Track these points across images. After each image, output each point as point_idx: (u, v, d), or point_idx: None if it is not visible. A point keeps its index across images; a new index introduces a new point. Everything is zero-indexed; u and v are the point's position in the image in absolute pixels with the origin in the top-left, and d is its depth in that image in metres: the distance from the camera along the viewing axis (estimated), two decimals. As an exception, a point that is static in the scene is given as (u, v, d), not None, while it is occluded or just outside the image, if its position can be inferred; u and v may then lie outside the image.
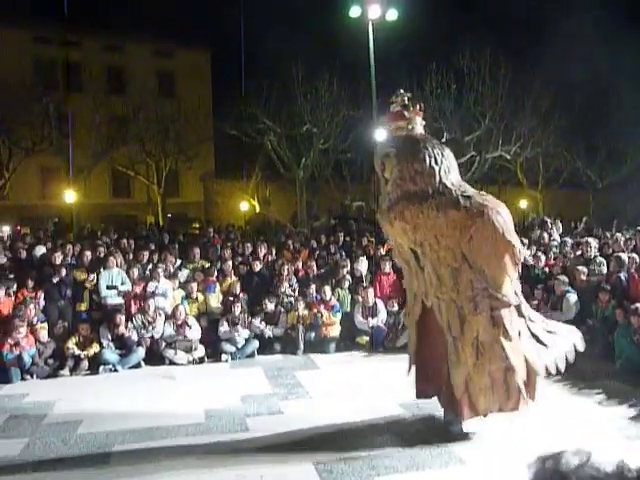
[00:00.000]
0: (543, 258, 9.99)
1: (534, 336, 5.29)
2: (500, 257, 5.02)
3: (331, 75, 22.75)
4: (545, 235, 11.96)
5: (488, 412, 5.23)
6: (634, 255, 9.05)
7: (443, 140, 22.71)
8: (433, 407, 6.15)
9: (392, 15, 17.38)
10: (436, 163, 5.16)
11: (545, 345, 5.29)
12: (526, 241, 11.43)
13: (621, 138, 23.69)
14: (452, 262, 5.05)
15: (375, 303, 9.45)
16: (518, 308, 5.21)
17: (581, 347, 5.56)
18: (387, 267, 10.12)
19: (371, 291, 9.51)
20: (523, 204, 28.23)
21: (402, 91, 5.55)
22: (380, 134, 18.74)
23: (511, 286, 5.16)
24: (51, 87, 22.19)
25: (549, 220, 13.63)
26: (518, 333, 5.12)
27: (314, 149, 23.45)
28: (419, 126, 5.51)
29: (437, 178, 5.12)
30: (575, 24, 20.31)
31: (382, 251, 11.23)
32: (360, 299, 9.57)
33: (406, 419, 5.88)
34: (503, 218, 5.04)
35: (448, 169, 5.20)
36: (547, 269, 9.78)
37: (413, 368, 5.65)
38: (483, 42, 21.79)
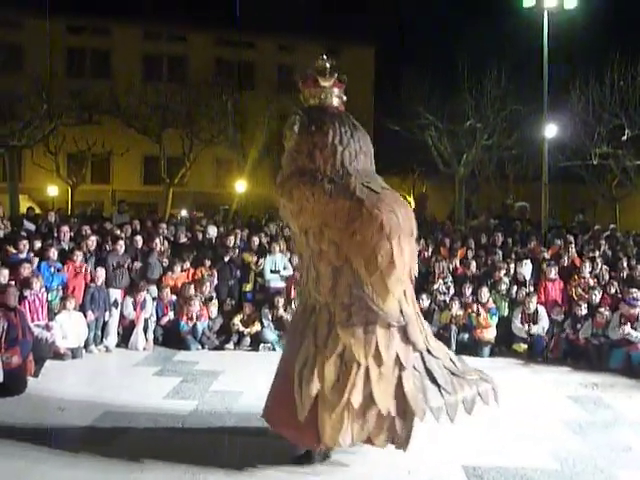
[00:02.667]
0: None
1: (428, 372, 4.41)
2: (381, 264, 4.24)
3: (499, 68, 21.75)
4: None
5: (336, 444, 4.36)
6: None
7: (624, 138, 20.60)
8: (598, 427, 5.68)
9: (571, 3, 16.15)
10: (340, 143, 4.49)
11: (439, 386, 4.38)
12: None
13: None
14: (334, 259, 4.36)
15: (537, 310, 8.89)
16: (404, 332, 4.37)
17: (490, 400, 4.60)
18: (553, 273, 9.47)
19: (534, 297, 8.97)
20: None
21: (325, 56, 4.79)
22: (550, 130, 17.57)
23: (396, 303, 4.35)
24: (229, 85, 24.08)
25: None
26: (397, 361, 4.31)
27: (476, 145, 22.62)
28: (335, 99, 4.79)
29: (338, 159, 4.47)
30: None
31: (547, 255, 10.54)
32: (521, 305, 9.07)
33: (567, 437, 5.47)
34: (397, 219, 4.27)
35: (355, 153, 4.53)
36: None
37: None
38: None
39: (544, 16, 16.21)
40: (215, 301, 9.28)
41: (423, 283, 9.81)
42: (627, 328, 7.93)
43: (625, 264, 9.82)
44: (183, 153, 24.12)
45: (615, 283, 9.06)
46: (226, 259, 9.81)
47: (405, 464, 4.69)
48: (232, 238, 10.27)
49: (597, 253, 10.42)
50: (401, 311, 4.40)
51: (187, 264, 9.62)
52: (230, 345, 8.82)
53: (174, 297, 9.11)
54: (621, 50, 20.20)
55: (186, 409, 5.96)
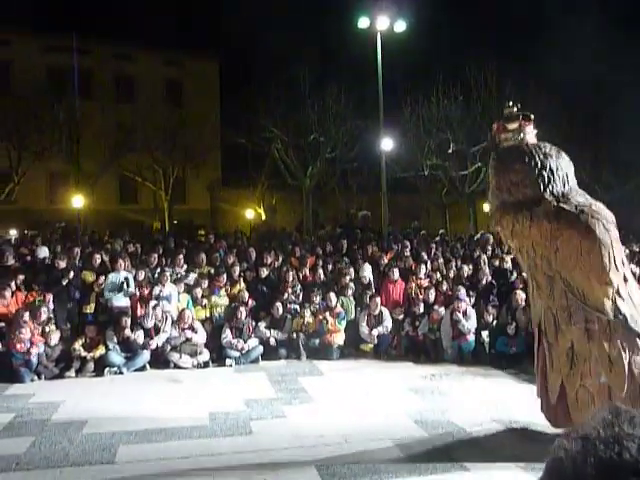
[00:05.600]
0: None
1: None
2: (585, 272, 4.90)
3: (339, 85, 22.93)
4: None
5: None
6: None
7: (450, 151, 22.83)
8: (435, 413, 6.20)
9: (400, 27, 17.52)
10: (532, 175, 5.19)
11: None
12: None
13: (628, 151, 23.69)
14: (547, 270, 5.12)
15: (381, 312, 9.46)
16: (626, 323, 4.95)
17: None
18: (395, 275, 10.14)
19: (378, 300, 9.53)
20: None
21: (510, 103, 5.71)
22: (386, 144, 18.87)
23: (607, 301, 4.93)
24: (62, 94, 22.43)
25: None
26: (624, 349, 4.89)
27: (321, 158, 23.58)
28: (529, 135, 5.54)
29: (531, 190, 5.17)
30: (581, 37, 20.43)
31: (385, 259, 11.28)
32: (366, 308, 9.58)
33: (408, 425, 5.89)
34: (595, 231, 4.86)
35: (547, 180, 5.17)
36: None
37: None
38: (490, 53, 21.95)
39: (377, 37, 17.38)
40: (54, 327, 8.53)
41: (276, 292, 9.99)
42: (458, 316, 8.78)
43: (453, 265, 10.85)
44: (10, 167, 21.96)
45: (445, 282, 9.97)
46: (64, 281, 9.07)
47: (259, 469, 4.72)
48: (65, 258, 9.51)
49: (426, 256, 11.37)
50: (617, 307, 4.93)
51: (16, 288, 8.72)
52: (71, 372, 8.16)
53: (2, 325, 8.21)
54: (444, 71, 22.46)
55: (21, 447, 5.41)
